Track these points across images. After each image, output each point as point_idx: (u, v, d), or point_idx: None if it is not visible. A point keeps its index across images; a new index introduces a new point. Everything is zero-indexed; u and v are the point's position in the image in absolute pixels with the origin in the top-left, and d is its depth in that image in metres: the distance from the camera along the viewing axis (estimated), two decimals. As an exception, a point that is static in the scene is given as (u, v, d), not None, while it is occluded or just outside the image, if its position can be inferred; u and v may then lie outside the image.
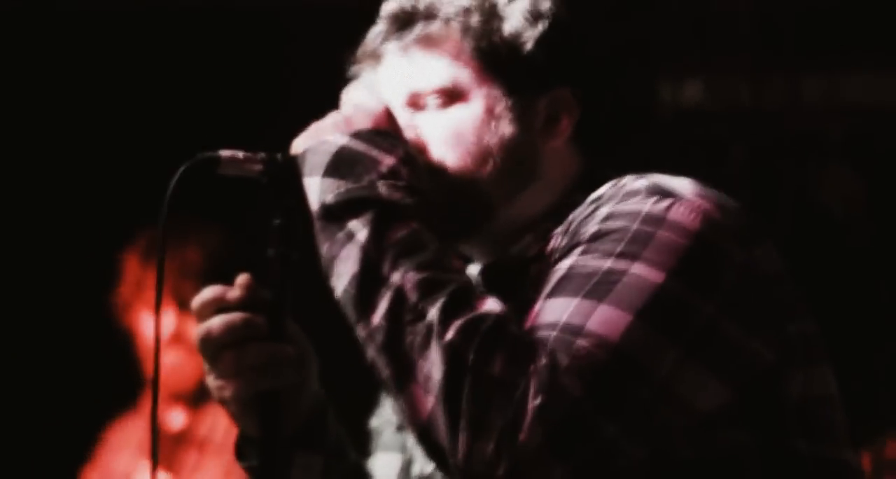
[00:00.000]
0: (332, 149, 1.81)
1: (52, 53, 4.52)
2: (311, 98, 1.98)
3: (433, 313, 1.70)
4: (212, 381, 1.87)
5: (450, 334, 1.68)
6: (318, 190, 1.79)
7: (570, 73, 1.96)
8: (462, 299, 1.72)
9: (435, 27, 1.95)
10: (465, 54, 1.94)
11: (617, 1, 1.95)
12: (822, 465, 1.80)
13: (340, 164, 1.79)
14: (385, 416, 2.14)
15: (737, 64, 4.30)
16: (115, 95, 4.48)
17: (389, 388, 1.73)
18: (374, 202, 1.76)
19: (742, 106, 4.29)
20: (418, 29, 1.95)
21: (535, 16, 1.95)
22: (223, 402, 1.86)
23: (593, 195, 1.86)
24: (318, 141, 1.82)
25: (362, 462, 2.02)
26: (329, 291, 1.77)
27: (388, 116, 1.88)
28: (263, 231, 1.83)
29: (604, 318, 1.70)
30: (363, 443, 2.17)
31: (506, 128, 1.93)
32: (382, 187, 1.77)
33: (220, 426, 3.93)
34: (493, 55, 1.93)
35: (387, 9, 1.98)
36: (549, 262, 1.84)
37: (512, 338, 1.70)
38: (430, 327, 1.69)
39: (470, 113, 1.93)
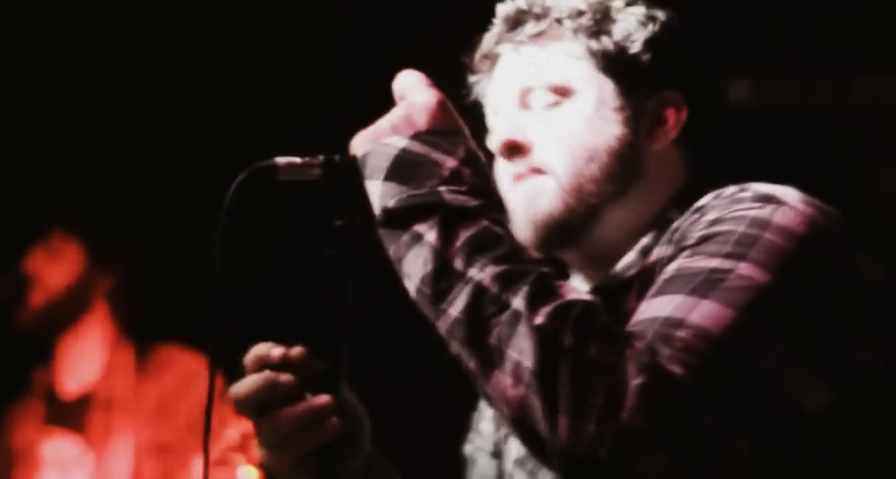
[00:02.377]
0: (393, 152, 1.79)
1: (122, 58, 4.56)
2: (369, 95, 2.01)
3: (518, 302, 1.67)
4: (258, 448, 1.86)
5: (539, 320, 1.66)
6: (379, 194, 1.78)
7: (678, 75, 2.00)
8: (545, 287, 1.69)
9: (546, 25, 1.99)
10: (575, 52, 1.97)
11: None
12: None
13: (401, 168, 1.78)
14: (477, 442, 2.13)
15: (785, 61, 4.30)
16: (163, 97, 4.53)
17: (475, 380, 1.71)
18: (437, 207, 1.74)
19: (790, 104, 4.29)
20: (530, 27, 1.99)
21: (646, 19, 1.99)
22: (277, 468, 1.86)
23: (696, 204, 1.87)
24: (377, 143, 1.81)
25: None
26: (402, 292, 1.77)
27: (443, 107, 1.85)
28: (325, 232, 1.83)
29: (706, 312, 1.69)
30: (459, 469, 2.17)
31: (613, 128, 1.97)
32: (445, 193, 1.75)
33: (123, 387, 4.03)
34: (603, 54, 1.97)
35: (500, 11, 2.03)
36: (652, 273, 1.84)
37: (604, 324, 1.68)
38: (516, 316, 1.67)
39: (578, 112, 1.96)
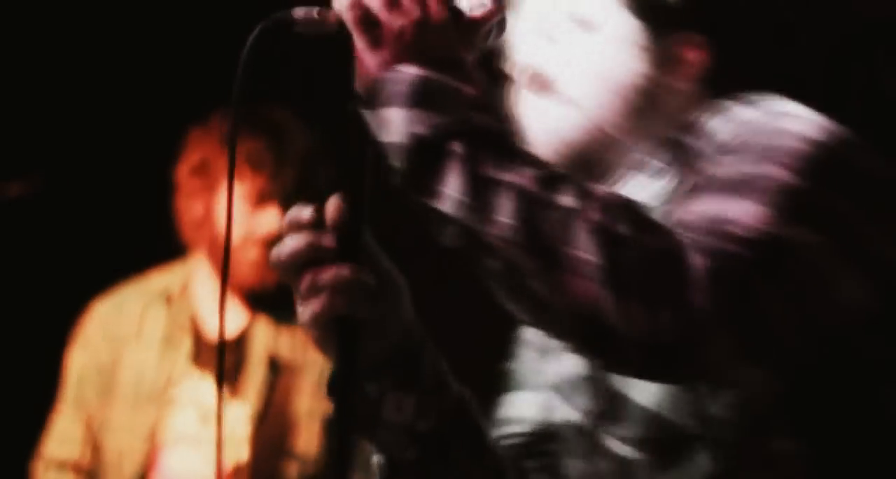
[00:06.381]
0: (412, 79, 1.73)
1: None
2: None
3: (566, 200, 1.67)
4: (297, 305, 1.85)
5: (595, 215, 1.66)
6: (404, 121, 1.72)
7: (704, 18, 2.01)
8: (584, 186, 1.70)
9: None
10: None
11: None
12: None
13: (425, 95, 1.72)
14: (524, 359, 2.10)
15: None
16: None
17: (535, 286, 1.67)
18: (466, 130, 1.70)
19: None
20: None
21: None
22: (305, 327, 1.85)
23: (709, 125, 1.92)
24: (395, 72, 1.74)
25: (466, 395, 1.97)
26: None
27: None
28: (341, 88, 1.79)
29: (745, 209, 1.71)
30: (497, 383, 2.11)
31: (636, 65, 1.98)
32: (475, 117, 1.72)
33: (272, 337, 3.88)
34: None
35: None
36: (674, 197, 1.87)
37: (650, 216, 1.70)
38: (568, 213, 1.66)
39: (601, 46, 1.98)
